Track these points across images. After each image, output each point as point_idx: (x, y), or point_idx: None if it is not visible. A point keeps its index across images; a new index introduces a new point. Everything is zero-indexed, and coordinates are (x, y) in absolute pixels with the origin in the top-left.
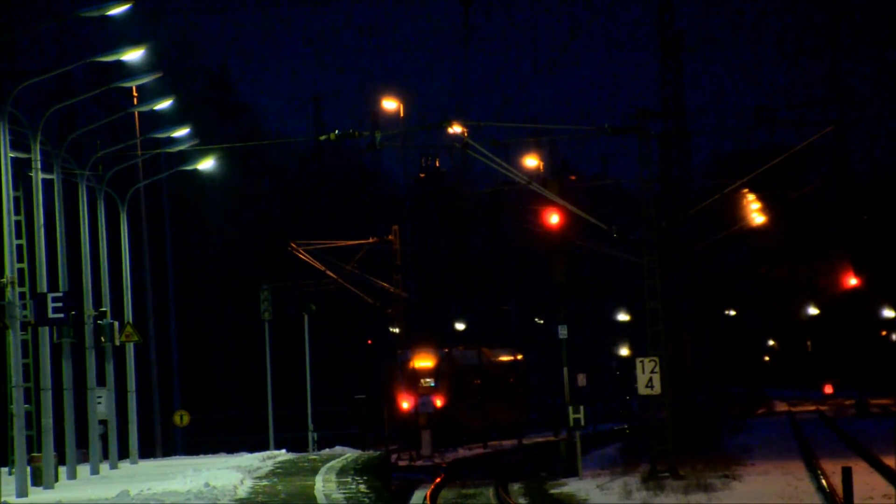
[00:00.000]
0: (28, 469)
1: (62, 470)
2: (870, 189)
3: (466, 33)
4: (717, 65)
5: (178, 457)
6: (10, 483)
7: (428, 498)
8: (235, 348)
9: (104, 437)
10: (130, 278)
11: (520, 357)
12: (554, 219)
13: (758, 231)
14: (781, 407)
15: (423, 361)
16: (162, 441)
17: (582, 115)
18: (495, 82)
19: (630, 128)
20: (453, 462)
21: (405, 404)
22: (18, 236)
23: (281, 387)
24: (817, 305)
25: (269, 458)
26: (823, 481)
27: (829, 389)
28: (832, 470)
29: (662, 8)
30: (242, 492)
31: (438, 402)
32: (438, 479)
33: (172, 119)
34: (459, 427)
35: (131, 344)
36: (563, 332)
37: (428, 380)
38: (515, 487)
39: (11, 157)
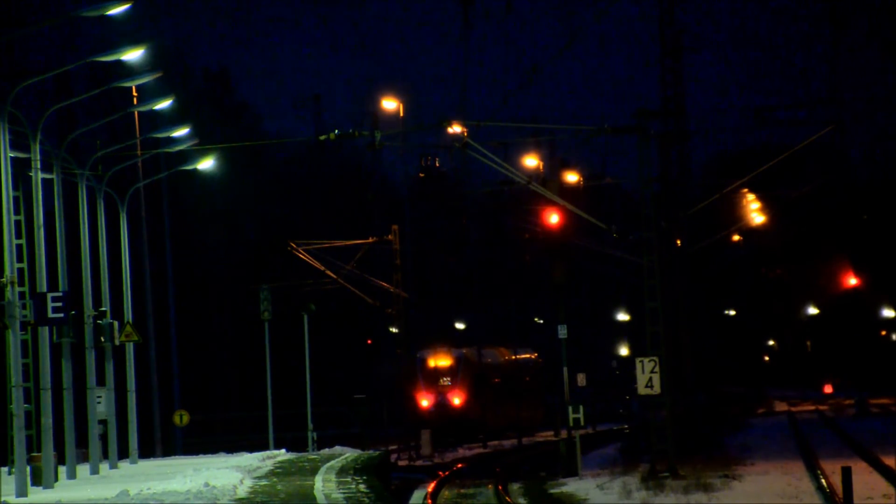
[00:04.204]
0: (28, 469)
1: (62, 470)
2: (870, 189)
3: (466, 33)
4: (718, 65)
5: (177, 457)
6: (9, 483)
7: (428, 498)
8: (235, 348)
9: (104, 437)
10: (130, 278)
11: (535, 356)
12: (554, 219)
13: (758, 231)
14: (781, 407)
15: (442, 360)
16: (162, 441)
17: (582, 114)
18: (495, 82)
19: (630, 128)
20: (453, 462)
21: (424, 402)
22: (18, 236)
23: (281, 387)
24: (817, 305)
25: (269, 457)
26: (823, 481)
27: (829, 389)
28: (832, 470)
29: (663, 8)
30: (242, 492)
31: (456, 401)
32: (436, 482)
33: (172, 119)
34: (477, 424)
35: (131, 344)
36: (562, 332)
37: (446, 378)
38: (515, 487)
39: (11, 157)
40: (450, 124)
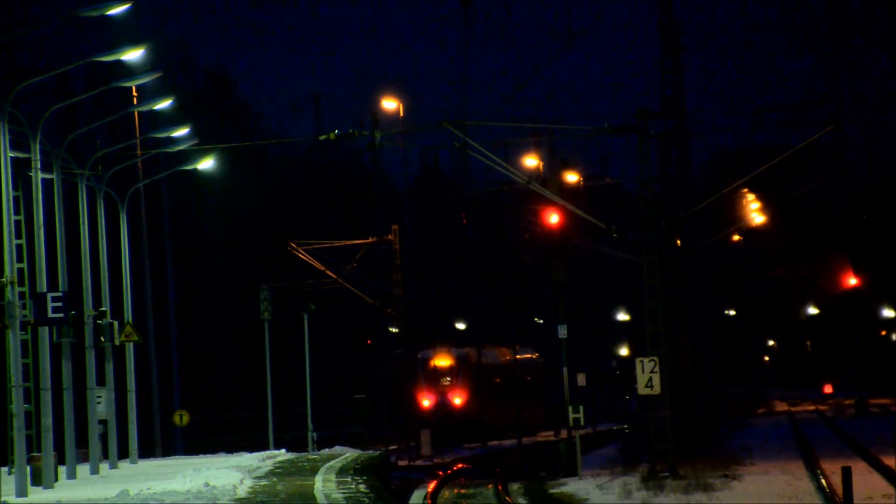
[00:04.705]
0: (28, 469)
1: (62, 470)
2: (870, 189)
3: (466, 33)
4: (717, 64)
5: (177, 457)
6: (9, 483)
7: (428, 498)
8: (235, 348)
9: (104, 437)
10: (130, 278)
11: (535, 356)
12: (554, 219)
13: (758, 231)
14: (781, 407)
15: (443, 360)
16: (162, 441)
17: (582, 114)
18: (495, 82)
19: (630, 128)
20: (453, 462)
21: (425, 402)
22: (18, 236)
23: (281, 387)
24: (817, 305)
25: (269, 457)
26: (823, 481)
27: (829, 389)
28: (832, 470)
29: (662, 8)
30: (242, 492)
31: (457, 401)
32: (436, 482)
33: (172, 119)
34: (477, 424)
35: (131, 343)
36: (562, 331)
37: (447, 378)
38: (515, 487)
39: (11, 157)
40: (450, 124)
